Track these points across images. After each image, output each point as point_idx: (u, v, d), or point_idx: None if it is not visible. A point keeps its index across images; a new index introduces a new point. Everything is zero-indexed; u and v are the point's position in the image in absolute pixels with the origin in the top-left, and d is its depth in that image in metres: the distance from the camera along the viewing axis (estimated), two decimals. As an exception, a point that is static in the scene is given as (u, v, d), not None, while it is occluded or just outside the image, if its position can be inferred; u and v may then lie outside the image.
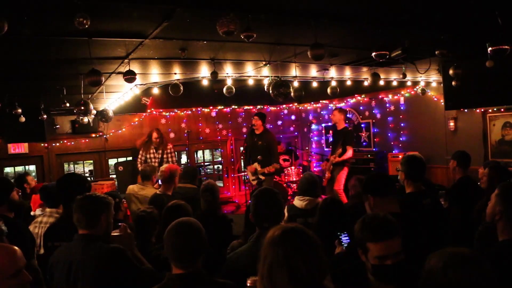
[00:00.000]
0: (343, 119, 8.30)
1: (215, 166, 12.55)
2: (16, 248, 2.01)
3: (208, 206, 4.53)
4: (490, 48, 3.73)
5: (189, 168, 6.22)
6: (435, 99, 8.97)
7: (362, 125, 11.02)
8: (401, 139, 9.98)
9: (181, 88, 5.71)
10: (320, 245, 1.88)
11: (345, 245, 3.23)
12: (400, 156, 9.17)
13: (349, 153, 7.88)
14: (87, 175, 10.62)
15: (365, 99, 10.81)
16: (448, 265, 1.72)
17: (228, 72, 6.07)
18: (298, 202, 4.46)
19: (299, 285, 1.75)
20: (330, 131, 11.66)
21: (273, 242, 1.85)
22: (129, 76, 4.50)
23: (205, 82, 6.66)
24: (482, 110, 8.21)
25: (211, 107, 11.53)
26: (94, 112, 7.08)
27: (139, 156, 8.78)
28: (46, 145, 9.68)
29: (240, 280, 2.44)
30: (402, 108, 9.93)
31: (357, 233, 2.26)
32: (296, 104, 12.77)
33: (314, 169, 12.28)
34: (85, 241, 2.77)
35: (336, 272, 2.39)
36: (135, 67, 5.00)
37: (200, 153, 12.26)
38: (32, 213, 5.17)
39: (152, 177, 5.67)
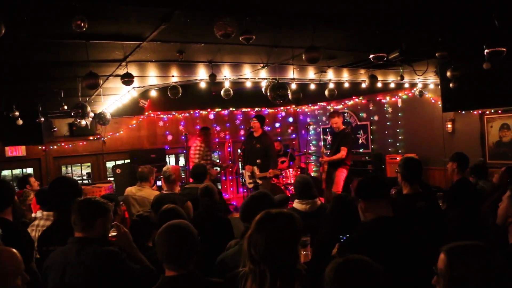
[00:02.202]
0: (342, 122, 8.32)
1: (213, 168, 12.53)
2: (15, 250, 2.05)
3: (207, 209, 4.54)
4: (486, 50, 3.73)
5: (197, 169, 6.11)
6: (433, 100, 8.99)
7: (359, 127, 11.03)
8: (398, 140, 9.99)
9: (180, 90, 5.70)
10: (295, 231, 2.11)
11: None
12: (398, 158, 9.20)
13: (341, 153, 7.79)
14: (84, 177, 10.60)
15: (362, 101, 10.82)
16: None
17: (226, 74, 6.07)
18: (299, 205, 4.43)
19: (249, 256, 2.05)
20: (328, 133, 11.69)
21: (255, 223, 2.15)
22: (127, 79, 4.49)
23: (202, 85, 6.66)
24: (480, 111, 8.23)
25: (209, 110, 11.53)
26: (91, 114, 7.07)
27: (200, 150, 8.75)
28: (43, 147, 9.66)
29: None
30: (399, 110, 9.94)
31: (326, 281, 1.89)
32: (293, 106, 12.79)
33: (313, 170, 12.28)
34: (80, 244, 2.75)
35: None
36: (133, 70, 5.00)
37: (198, 155, 12.23)
38: (33, 215, 5.19)
39: (150, 178, 5.65)
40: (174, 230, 2.35)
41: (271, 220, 2.13)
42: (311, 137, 12.71)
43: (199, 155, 8.77)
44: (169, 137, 11.17)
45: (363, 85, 7.76)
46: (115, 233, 3.03)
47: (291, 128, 13.20)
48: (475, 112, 8.31)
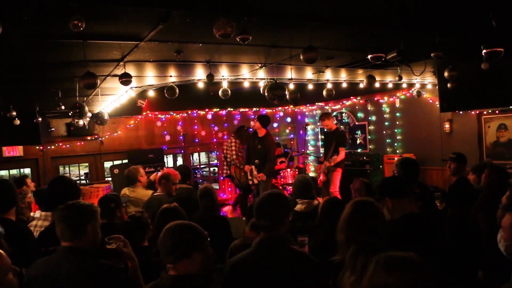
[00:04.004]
0: (333, 122, 8.33)
1: (211, 169, 12.53)
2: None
3: (207, 210, 4.55)
4: (485, 51, 3.74)
5: (181, 168, 6.24)
6: (431, 101, 9.00)
7: (357, 127, 11.04)
8: (396, 141, 10.00)
9: (177, 90, 5.70)
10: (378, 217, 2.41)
11: None
12: (395, 158, 9.19)
13: (342, 154, 7.83)
14: (82, 178, 10.58)
15: (360, 101, 10.83)
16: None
17: (224, 74, 6.07)
18: (296, 205, 4.45)
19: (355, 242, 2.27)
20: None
21: (344, 214, 2.45)
22: (125, 79, 4.49)
23: (200, 85, 6.65)
24: (477, 112, 8.25)
25: (206, 110, 11.52)
26: (89, 114, 7.06)
27: (235, 147, 8.81)
28: (41, 148, 9.64)
29: (243, 286, 2.44)
30: (397, 110, 9.96)
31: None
32: (291, 106, 12.78)
33: (311, 170, 12.27)
34: (72, 254, 2.51)
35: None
36: (131, 70, 4.99)
37: (196, 155, 12.22)
38: (32, 214, 5.18)
39: (137, 178, 5.68)
40: (172, 229, 2.31)
41: (377, 208, 2.39)
42: (309, 137, 12.72)
43: (236, 151, 8.86)
44: (167, 137, 11.15)
45: (361, 85, 7.77)
46: (113, 247, 2.75)
47: (289, 128, 13.20)
48: (473, 112, 8.33)
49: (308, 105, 12.38)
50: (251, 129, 8.37)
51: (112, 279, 2.48)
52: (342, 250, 2.32)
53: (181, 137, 10.98)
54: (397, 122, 9.98)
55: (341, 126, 11.05)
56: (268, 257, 2.52)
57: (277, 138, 12.15)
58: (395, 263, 1.69)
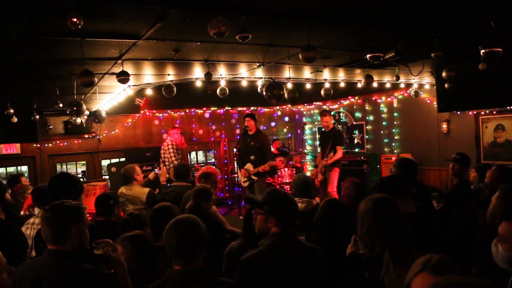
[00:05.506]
0: (331, 120, 8.46)
1: (209, 168, 12.51)
2: None
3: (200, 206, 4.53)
4: (482, 51, 3.74)
5: (179, 167, 6.23)
6: (428, 101, 9.01)
7: (355, 127, 11.05)
8: (394, 140, 10.01)
9: (174, 89, 5.70)
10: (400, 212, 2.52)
11: None
12: (393, 158, 9.22)
13: (339, 153, 7.91)
14: (79, 176, 10.56)
15: (358, 101, 10.83)
16: None
17: (222, 73, 6.06)
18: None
19: (389, 240, 2.34)
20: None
21: (368, 211, 2.49)
22: (123, 77, 4.49)
23: (198, 83, 6.65)
24: (475, 112, 8.26)
25: (204, 108, 11.52)
26: (87, 112, 7.06)
27: (173, 149, 9.07)
28: (38, 145, 9.63)
29: (259, 284, 2.45)
30: (395, 110, 9.96)
31: None
32: (289, 105, 12.79)
33: (309, 170, 12.28)
34: (57, 258, 2.41)
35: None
36: (129, 68, 4.98)
37: (193, 154, 12.22)
38: (22, 212, 5.14)
39: (134, 176, 5.65)
40: (183, 224, 2.32)
41: (396, 204, 2.56)
42: (307, 137, 12.72)
43: (174, 153, 8.94)
44: (165, 136, 11.14)
45: (359, 85, 7.77)
46: (100, 252, 2.57)
47: (287, 127, 13.20)
48: (470, 113, 8.34)
49: (306, 104, 12.38)
50: (248, 128, 8.35)
51: (96, 284, 2.39)
52: (369, 246, 2.43)
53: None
54: (395, 122, 9.99)
55: (339, 126, 11.06)
56: (285, 252, 2.59)
57: (274, 137, 12.15)
58: (444, 266, 1.69)
